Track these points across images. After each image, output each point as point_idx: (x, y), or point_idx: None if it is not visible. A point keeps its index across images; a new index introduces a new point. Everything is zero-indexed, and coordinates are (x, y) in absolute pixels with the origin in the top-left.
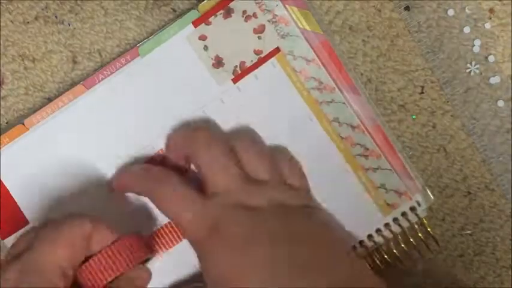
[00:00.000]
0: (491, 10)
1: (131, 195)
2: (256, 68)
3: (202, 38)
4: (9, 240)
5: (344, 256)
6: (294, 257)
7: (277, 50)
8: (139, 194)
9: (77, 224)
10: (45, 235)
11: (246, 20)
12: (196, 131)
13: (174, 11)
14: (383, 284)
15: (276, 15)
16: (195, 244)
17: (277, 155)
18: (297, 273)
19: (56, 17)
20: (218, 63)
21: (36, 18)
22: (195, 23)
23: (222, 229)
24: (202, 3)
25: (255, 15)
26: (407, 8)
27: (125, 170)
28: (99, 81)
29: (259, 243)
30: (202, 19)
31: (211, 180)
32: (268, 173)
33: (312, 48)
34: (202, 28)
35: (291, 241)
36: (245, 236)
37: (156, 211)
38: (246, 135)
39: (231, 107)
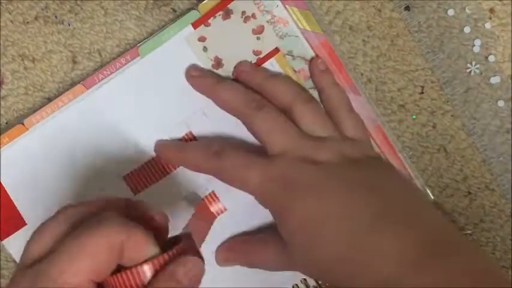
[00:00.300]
0: (491, 10)
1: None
2: None
3: (202, 39)
4: (8, 241)
5: (429, 209)
6: (373, 205)
7: (276, 50)
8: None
9: (105, 235)
10: (65, 246)
11: (245, 21)
12: (247, 96)
13: (174, 11)
14: (469, 241)
15: (275, 15)
16: (269, 205)
17: (336, 109)
18: (380, 224)
19: (56, 17)
20: (218, 64)
21: (36, 18)
22: (195, 25)
23: (294, 183)
24: (203, 3)
25: (253, 16)
26: (407, 8)
27: (185, 149)
28: (99, 81)
29: (336, 191)
30: (202, 20)
31: (269, 142)
32: (324, 128)
33: (312, 48)
34: (202, 29)
35: (367, 189)
36: (319, 186)
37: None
38: (300, 95)
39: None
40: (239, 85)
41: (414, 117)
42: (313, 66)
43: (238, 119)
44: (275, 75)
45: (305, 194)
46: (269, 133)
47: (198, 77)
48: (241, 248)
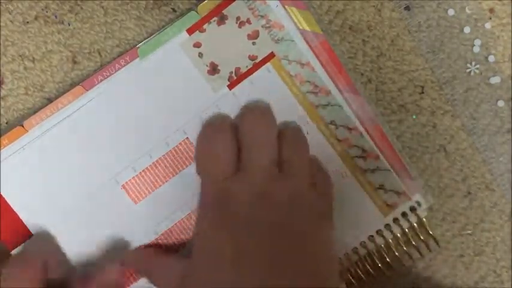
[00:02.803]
0: (491, 10)
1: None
2: (252, 73)
3: (197, 45)
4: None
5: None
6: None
7: (271, 55)
8: None
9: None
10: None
11: (239, 26)
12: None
13: (174, 11)
14: None
15: (270, 20)
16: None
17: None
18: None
19: (56, 17)
20: (213, 69)
21: (36, 18)
22: (189, 31)
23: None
24: (202, 4)
25: (248, 21)
26: (407, 8)
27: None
28: (98, 83)
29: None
30: (196, 26)
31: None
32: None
33: (311, 48)
34: (197, 35)
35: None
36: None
37: (153, 221)
38: None
39: (227, 113)
40: None
41: (415, 117)
42: None
43: None
44: None
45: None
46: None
47: None
48: (147, 254)
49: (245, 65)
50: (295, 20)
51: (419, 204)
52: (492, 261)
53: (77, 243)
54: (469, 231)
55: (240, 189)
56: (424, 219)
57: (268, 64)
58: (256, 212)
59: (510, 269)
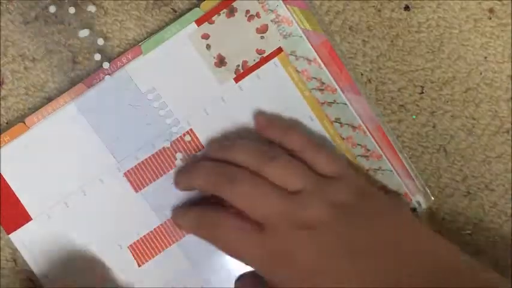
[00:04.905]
0: (491, 10)
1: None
2: (258, 67)
3: (205, 36)
4: (14, 236)
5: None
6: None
7: (279, 50)
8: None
9: None
10: None
11: (249, 20)
12: (217, 167)
13: (174, 11)
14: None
15: (279, 15)
16: (267, 277)
17: (301, 153)
18: None
19: (56, 17)
20: (220, 62)
21: (36, 18)
22: (198, 22)
23: (290, 258)
24: (205, 2)
25: (258, 14)
26: (407, 8)
27: (181, 213)
28: (100, 80)
29: (327, 270)
30: (206, 18)
31: (253, 213)
32: (296, 180)
33: (313, 48)
34: (205, 27)
35: (359, 253)
36: (312, 265)
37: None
38: (263, 156)
39: (232, 106)
40: (206, 164)
41: (414, 117)
42: (258, 125)
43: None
44: (233, 145)
45: (300, 275)
46: (250, 203)
47: None
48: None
49: (252, 58)
50: (297, 20)
51: (419, 204)
52: (492, 261)
53: (77, 228)
54: (469, 231)
55: (310, 211)
56: (423, 219)
57: (275, 59)
58: (338, 230)
59: (510, 268)
